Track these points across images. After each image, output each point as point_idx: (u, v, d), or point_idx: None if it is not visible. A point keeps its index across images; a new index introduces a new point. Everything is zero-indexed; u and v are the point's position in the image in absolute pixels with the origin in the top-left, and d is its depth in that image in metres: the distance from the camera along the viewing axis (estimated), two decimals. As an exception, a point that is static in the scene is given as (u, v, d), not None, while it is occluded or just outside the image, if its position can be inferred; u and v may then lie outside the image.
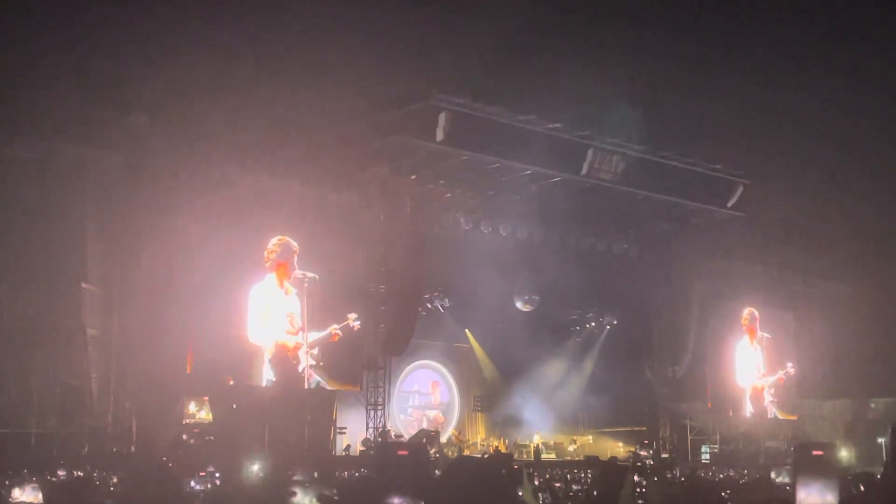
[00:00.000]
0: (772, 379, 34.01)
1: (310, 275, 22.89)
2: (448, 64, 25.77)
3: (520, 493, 6.81)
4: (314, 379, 23.62)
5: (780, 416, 33.91)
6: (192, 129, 22.51)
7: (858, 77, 30.80)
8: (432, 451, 24.56)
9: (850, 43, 30.18)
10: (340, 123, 24.65)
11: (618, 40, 29.95)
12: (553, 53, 29.52)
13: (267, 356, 22.72)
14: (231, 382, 21.77)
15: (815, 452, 4.14)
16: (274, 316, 22.43)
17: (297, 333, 22.53)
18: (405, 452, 3.86)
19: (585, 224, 30.16)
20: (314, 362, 23.29)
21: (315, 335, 23.55)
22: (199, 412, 24.90)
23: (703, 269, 32.66)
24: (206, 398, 24.85)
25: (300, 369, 22.28)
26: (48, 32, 22.12)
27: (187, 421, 24.55)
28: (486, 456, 25.12)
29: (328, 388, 24.40)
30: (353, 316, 24.38)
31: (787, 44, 30.44)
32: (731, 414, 33.82)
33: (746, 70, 31.42)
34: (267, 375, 22.66)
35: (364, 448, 26.77)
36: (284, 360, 21.75)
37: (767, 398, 33.86)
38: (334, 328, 24.00)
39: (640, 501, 6.94)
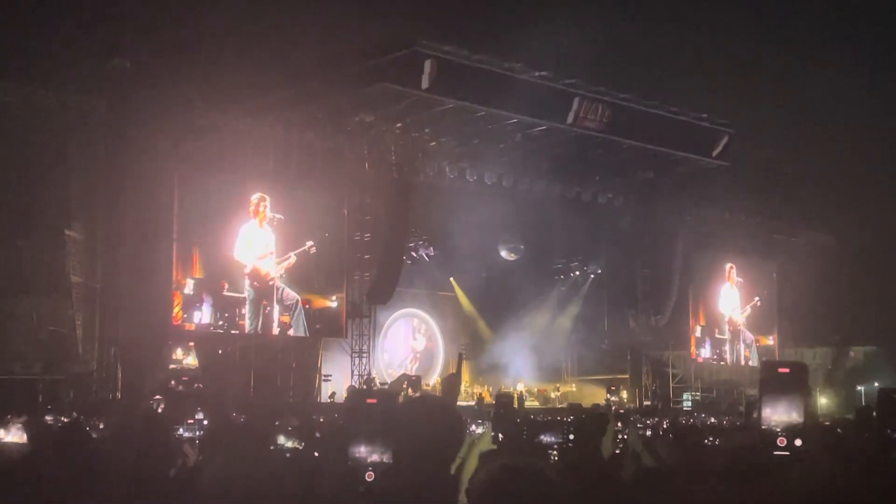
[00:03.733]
0: (745, 314, 35.61)
1: (277, 216, 25.87)
2: (434, 10, 25.56)
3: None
4: (282, 287, 26.13)
5: (755, 337, 35.55)
6: (175, 74, 22.29)
7: (841, 26, 30.75)
8: (416, 396, 24.86)
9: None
10: (325, 70, 24.43)
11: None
12: (540, 1, 29.34)
13: (246, 270, 25.33)
14: (226, 286, 24.97)
15: (780, 370, 4.16)
16: (255, 244, 25.66)
17: (270, 254, 26.11)
18: (374, 401, 3.85)
19: (570, 173, 30.09)
20: (282, 273, 26.19)
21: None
22: (186, 358, 25.09)
23: (688, 218, 32.79)
24: (192, 344, 25.04)
25: (269, 279, 25.88)
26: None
27: (173, 366, 24.71)
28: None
29: (295, 294, 26.25)
30: (310, 243, 26.31)
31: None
32: (716, 362, 34.26)
33: (732, 20, 31.32)
34: (245, 285, 25.42)
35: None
36: (258, 273, 25.56)
37: (740, 321, 35.46)
38: (291, 255, 26.15)
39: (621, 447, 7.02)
